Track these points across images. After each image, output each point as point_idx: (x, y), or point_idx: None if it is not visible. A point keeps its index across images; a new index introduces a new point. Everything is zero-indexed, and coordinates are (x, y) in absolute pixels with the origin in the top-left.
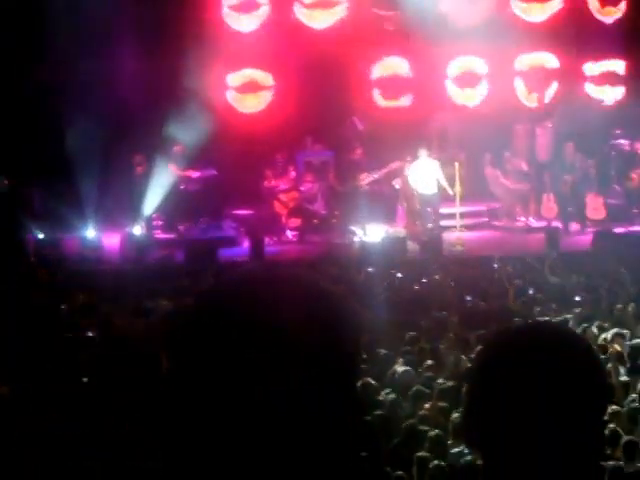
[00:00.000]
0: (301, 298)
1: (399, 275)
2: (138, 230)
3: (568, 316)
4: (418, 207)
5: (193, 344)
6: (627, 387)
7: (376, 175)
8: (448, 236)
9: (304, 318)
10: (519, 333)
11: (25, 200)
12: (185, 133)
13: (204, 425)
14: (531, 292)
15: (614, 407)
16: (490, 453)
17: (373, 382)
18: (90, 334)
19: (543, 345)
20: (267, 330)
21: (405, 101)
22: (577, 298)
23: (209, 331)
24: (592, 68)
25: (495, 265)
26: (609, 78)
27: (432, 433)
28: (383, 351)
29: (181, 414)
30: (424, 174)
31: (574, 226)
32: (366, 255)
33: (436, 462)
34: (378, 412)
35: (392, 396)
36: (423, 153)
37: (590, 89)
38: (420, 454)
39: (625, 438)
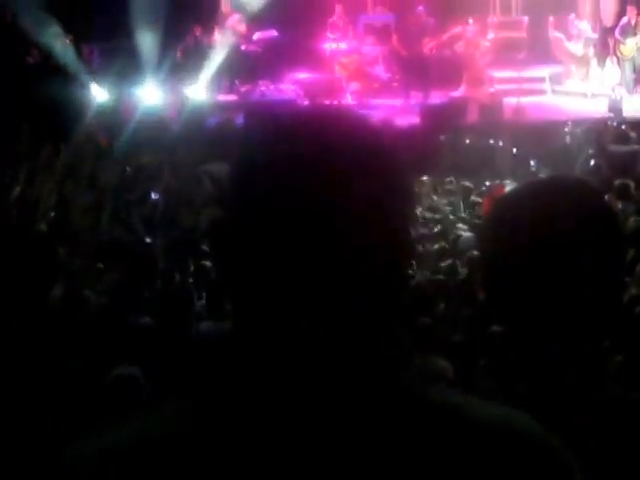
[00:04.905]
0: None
1: (467, 141)
2: (198, 92)
3: (631, 183)
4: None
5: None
6: None
7: (439, 39)
8: (509, 101)
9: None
10: (530, 186)
11: (86, 56)
12: None
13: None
14: (594, 161)
15: None
16: (502, 303)
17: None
18: (154, 196)
19: (548, 194)
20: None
21: None
22: None
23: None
24: None
25: (566, 129)
26: None
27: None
28: (450, 216)
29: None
30: None
31: (638, 92)
32: (427, 120)
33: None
34: (437, 277)
35: (449, 261)
36: None
37: None
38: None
39: None
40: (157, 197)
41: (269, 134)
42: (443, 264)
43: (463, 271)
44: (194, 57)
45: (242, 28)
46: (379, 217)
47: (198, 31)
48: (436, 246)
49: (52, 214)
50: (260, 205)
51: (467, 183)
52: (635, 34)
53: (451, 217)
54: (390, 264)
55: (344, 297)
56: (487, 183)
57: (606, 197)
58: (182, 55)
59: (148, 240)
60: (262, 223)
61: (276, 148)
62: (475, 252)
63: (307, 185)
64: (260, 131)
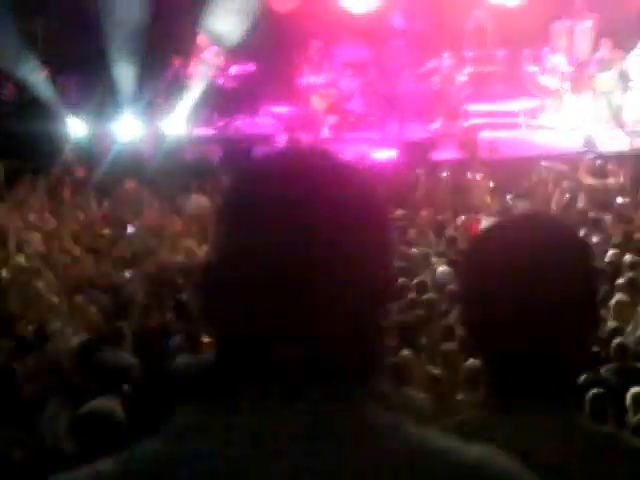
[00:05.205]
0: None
1: (444, 174)
2: (175, 126)
3: (606, 217)
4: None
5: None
6: None
7: (416, 73)
8: (485, 135)
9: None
10: (503, 224)
11: (63, 88)
12: (223, 27)
13: None
14: (568, 195)
15: None
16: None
17: (413, 281)
18: (130, 229)
19: (522, 233)
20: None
21: None
22: (619, 200)
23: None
24: None
25: (542, 163)
26: None
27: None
28: (421, 250)
29: None
30: None
31: (612, 127)
32: (403, 154)
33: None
34: (418, 311)
35: (430, 295)
36: None
37: None
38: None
39: None
40: (134, 231)
41: (247, 178)
42: (421, 298)
43: (443, 305)
44: (172, 90)
45: (219, 61)
46: (362, 256)
47: (176, 64)
48: (415, 280)
49: (28, 249)
50: (243, 245)
51: (442, 217)
52: (610, 68)
53: (427, 250)
54: (375, 301)
55: (328, 322)
56: (462, 217)
57: (583, 230)
58: (160, 88)
59: (127, 274)
60: (246, 263)
61: (256, 190)
62: (452, 286)
63: (290, 226)
64: (238, 173)
